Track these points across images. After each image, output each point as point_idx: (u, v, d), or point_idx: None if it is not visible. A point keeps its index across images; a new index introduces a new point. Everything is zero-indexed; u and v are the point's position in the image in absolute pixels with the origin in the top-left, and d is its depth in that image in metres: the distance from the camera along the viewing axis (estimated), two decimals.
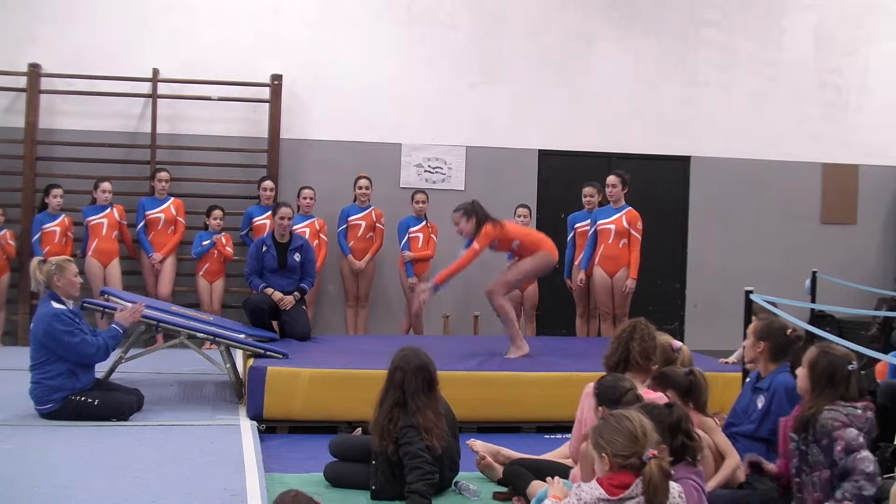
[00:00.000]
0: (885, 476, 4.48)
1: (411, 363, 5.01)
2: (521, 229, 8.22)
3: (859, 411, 4.27)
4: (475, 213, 7.41)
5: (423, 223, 9.94)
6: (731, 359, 7.46)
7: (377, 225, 9.97)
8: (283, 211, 8.42)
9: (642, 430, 3.64)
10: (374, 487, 4.99)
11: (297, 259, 8.37)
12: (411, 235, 9.88)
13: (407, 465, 4.81)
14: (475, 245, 7.35)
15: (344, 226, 9.90)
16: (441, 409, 5.06)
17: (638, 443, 3.62)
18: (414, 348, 5.13)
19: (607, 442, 3.65)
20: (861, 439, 4.22)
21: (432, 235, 9.94)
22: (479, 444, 5.37)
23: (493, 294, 7.58)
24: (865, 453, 4.19)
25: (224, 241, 9.92)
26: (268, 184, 9.98)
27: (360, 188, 9.93)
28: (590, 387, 4.91)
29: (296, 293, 8.28)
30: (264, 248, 8.32)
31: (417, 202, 9.93)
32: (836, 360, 4.36)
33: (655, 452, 3.63)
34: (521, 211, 9.76)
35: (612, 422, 3.70)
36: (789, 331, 5.23)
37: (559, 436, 6.27)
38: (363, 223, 9.88)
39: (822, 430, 4.25)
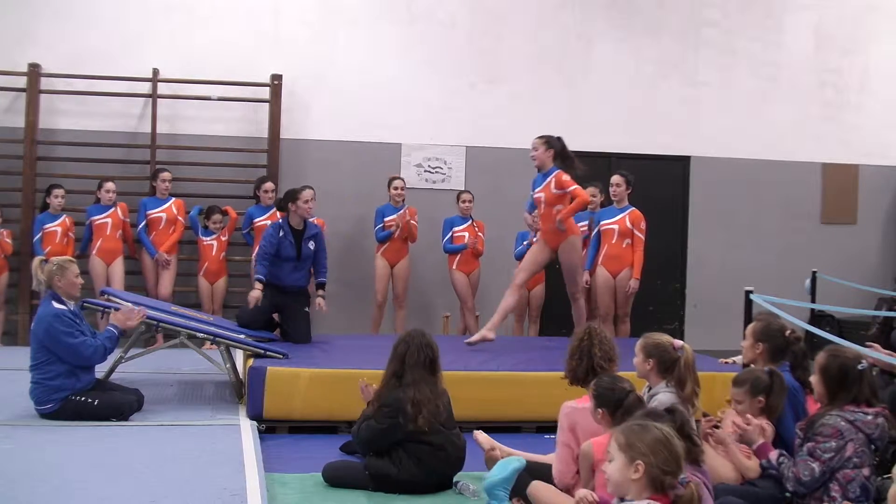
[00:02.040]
0: (885, 476, 4.47)
1: (416, 339, 5.17)
2: None
3: (869, 417, 4.22)
4: (553, 147, 7.85)
5: (469, 222, 9.91)
6: (735, 359, 7.43)
7: (411, 222, 9.85)
8: (308, 193, 8.00)
9: (680, 451, 3.39)
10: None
11: (311, 248, 8.07)
12: (455, 234, 9.87)
13: (354, 434, 5.34)
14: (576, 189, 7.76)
15: (381, 224, 9.80)
16: (440, 389, 5.16)
17: (678, 463, 3.36)
18: (422, 330, 5.29)
19: (650, 450, 3.31)
20: (830, 457, 4.17)
21: (480, 233, 9.91)
22: (482, 437, 5.33)
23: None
24: (814, 465, 4.17)
25: (223, 237, 9.98)
26: (269, 185, 9.97)
27: (396, 189, 9.83)
28: (568, 406, 4.80)
29: (320, 291, 8.17)
30: (281, 234, 7.94)
31: (464, 202, 9.91)
32: (847, 361, 4.33)
33: (693, 477, 3.49)
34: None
35: (655, 433, 3.37)
36: (788, 332, 5.22)
37: None
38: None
39: (817, 430, 4.24)
